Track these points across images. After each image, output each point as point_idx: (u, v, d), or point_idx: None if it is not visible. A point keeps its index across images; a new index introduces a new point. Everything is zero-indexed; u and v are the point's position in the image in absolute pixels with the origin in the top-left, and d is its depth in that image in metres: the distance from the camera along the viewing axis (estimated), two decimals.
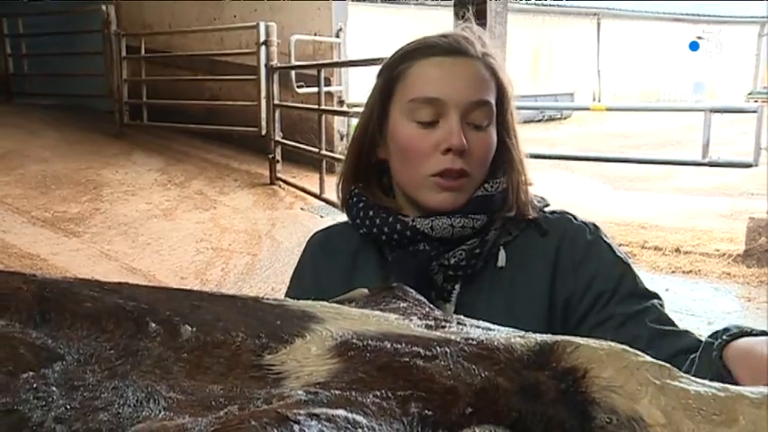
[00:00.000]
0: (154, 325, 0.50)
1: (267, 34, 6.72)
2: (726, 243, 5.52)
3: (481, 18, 3.21)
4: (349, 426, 0.39)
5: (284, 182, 6.60)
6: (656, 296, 1.03)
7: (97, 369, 0.46)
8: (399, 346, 0.49)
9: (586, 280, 1.03)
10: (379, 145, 1.10)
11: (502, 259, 1.06)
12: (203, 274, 4.46)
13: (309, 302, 0.59)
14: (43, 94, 9.72)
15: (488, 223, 1.05)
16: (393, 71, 1.07)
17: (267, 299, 0.59)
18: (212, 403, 0.44)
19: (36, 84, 10.03)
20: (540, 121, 14.76)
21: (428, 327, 0.55)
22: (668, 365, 0.49)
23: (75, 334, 0.49)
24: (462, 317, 0.60)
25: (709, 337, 0.82)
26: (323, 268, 1.13)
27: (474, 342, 0.51)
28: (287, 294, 1.15)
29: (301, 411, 0.39)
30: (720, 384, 0.48)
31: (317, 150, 6.11)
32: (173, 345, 0.49)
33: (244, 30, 7.29)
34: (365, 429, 0.40)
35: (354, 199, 1.11)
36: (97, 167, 6.60)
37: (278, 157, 6.67)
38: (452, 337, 0.52)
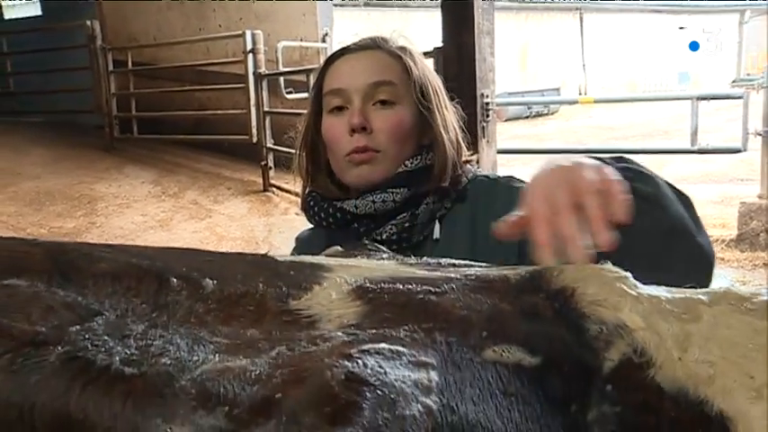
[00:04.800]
0: (175, 280, 0.52)
1: (254, 42, 6.73)
2: (718, 229, 5.57)
3: (468, 16, 3.24)
4: (394, 355, 0.44)
5: (278, 188, 6.61)
6: None
7: (137, 321, 0.48)
8: (411, 286, 0.54)
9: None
10: (321, 144, 1.21)
11: (437, 231, 1.13)
12: None
13: (315, 256, 0.62)
14: (31, 111, 9.68)
15: (417, 198, 1.13)
16: (318, 76, 1.21)
17: (272, 254, 0.62)
18: (258, 345, 0.46)
19: (23, 101, 9.98)
20: (527, 117, 14.81)
21: (427, 269, 0.60)
22: (628, 275, 0.57)
23: (101, 291, 0.50)
24: (447, 259, 0.66)
25: None
26: None
27: (473, 277, 0.57)
28: None
29: (355, 350, 0.43)
30: (676, 288, 0.57)
31: None
32: (199, 297, 0.51)
33: (230, 39, 7.29)
34: (408, 356, 0.45)
35: (307, 196, 1.22)
36: (90, 182, 6.60)
37: (270, 163, 6.68)
38: (453, 275, 0.57)
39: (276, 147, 6.69)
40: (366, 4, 15.82)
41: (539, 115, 15.41)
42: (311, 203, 1.19)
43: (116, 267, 0.52)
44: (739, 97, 5.74)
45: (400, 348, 0.45)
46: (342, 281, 0.55)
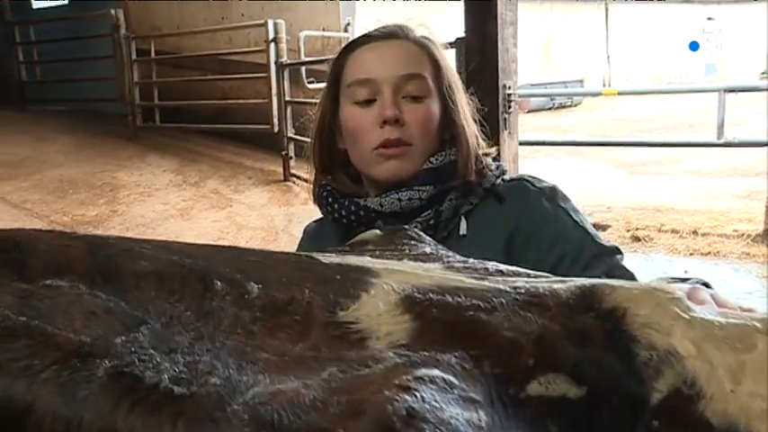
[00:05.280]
0: (220, 283, 0.50)
1: (276, 31, 6.73)
2: (744, 223, 5.48)
3: (491, 6, 3.20)
4: (447, 387, 0.42)
5: (298, 177, 6.62)
6: (616, 251, 1.08)
7: (183, 331, 0.46)
8: (460, 299, 0.52)
9: (547, 245, 1.07)
10: (337, 135, 1.18)
11: (463, 228, 1.11)
12: None
13: (362, 257, 0.60)
14: (56, 99, 9.80)
15: (441, 194, 1.11)
16: (337, 63, 1.17)
17: (317, 255, 0.59)
18: (308, 364, 0.44)
19: (49, 90, 10.11)
20: (550, 108, 14.68)
21: (475, 277, 0.57)
22: (682, 296, 0.53)
23: (144, 295, 0.48)
24: (486, 261, 0.64)
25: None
26: None
27: (522, 290, 0.54)
28: None
29: (410, 377, 0.41)
30: (731, 311, 0.53)
31: None
32: (244, 303, 0.49)
33: (252, 28, 7.30)
34: (458, 390, 0.42)
35: (320, 190, 1.18)
36: (112, 170, 6.66)
37: (291, 153, 6.69)
38: (502, 287, 0.54)
39: (297, 137, 6.70)
40: None
41: (562, 107, 15.26)
42: (329, 199, 1.16)
43: (158, 267, 0.50)
44: (767, 89, 5.63)
45: (452, 379, 0.43)
46: (389, 288, 0.52)
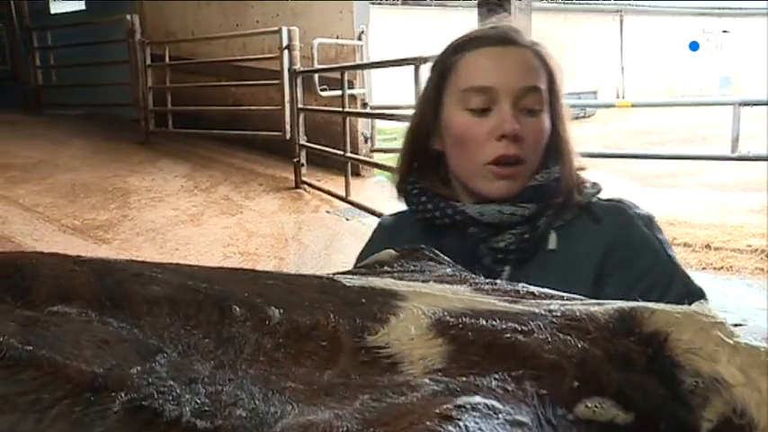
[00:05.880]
0: (238, 309, 0.47)
1: (290, 38, 6.74)
2: (758, 238, 5.42)
3: (505, 17, 3.19)
4: (491, 412, 0.40)
5: (309, 185, 6.63)
6: (702, 294, 1.04)
7: (202, 360, 0.43)
8: (495, 322, 0.49)
9: (638, 274, 1.04)
10: (434, 136, 1.13)
11: (553, 242, 1.08)
12: None
13: (385, 279, 0.57)
14: (71, 104, 9.87)
15: (539, 210, 1.07)
16: (445, 63, 1.10)
17: (339, 276, 0.57)
18: (339, 392, 0.42)
19: (64, 94, 10.18)
20: None
21: (507, 300, 0.55)
22: (725, 320, 0.50)
23: (158, 322, 0.45)
24: (518, 283, 0.61)
25: None
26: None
27: (558, 313, 0.51)
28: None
29: (450, 405, 0.39)
30: None
31: (341, 153, 6.12)
32: (266, 329, 0.46)
33: (266, 35, 7.33)
34: (503, 414, 0.40)
35: (410, 185, 1.14)
36: (124, 175, 6.69)
37: (303, 160, 6.69)
38: (536, 310, 0.52)
39: (309, 144, 6.71)
40: (404, 3, 15.78)
41: (575, 118, 15.18)
42: (422, 199, 1.11)
43: (171, 292, 0.47)
44: None
45: (495, 404, 0.41)
46: (419, 312, 0.49)
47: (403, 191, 1.16)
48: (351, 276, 0.58)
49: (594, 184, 1.12)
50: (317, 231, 5.49)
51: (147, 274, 0.49)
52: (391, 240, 1.16)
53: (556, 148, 1.09)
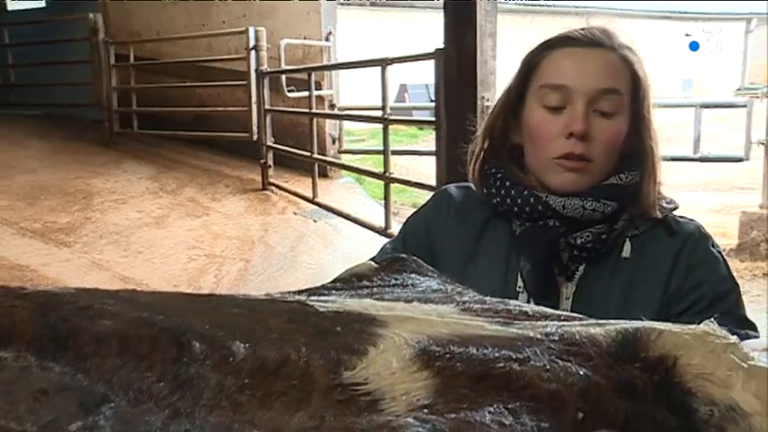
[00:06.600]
0: (198, 345, 0.42)
1: (257, 39, 6.68)
2: (718, 238, 5.47)
3: (470, 17, 3.19)
4: None
5: (276, 187, 6.57)
6: (753, 327, 1.06)
7: (155, 409, 0.38)
8: (486, 350, 0.45)
9: (694, 282, 1.08)
10: (514, 129, 1.16)
11: (627, 250, 1.10)
12: (196, 281, 4.43)
13: (363, 301, 0.52)
14: (31, 104, 9.64)
15: (617, 212, 1.09)
16: (532, 59, 1.14)
17: (312, 300, 0.52)
18: None
19: (23, 94, 9.94)
20: None
21: (499, 322, 0.51)
22: (737, 341, 0.47)
23: (107, 363, 0.40)
24: (509, 301, 0.58)
25: None
26: (451, 227, 1.19)
27: (557, 337, 0.48)
28: (399, 232, 1.27)
29: None
30: None
31: (308, 154, 6.09)
32: (229, 368, 0.42)
33: (233, 35, 7.25)
34: None
35: (493, 170, 1.15)
36: (87, 177, 6.55)
37: (270, 162, 6.63)
38: (531, 334, 0.48)
39: (276, 145, 6.65)
40: (372, 4, 15.77)
41: None
42: (506, 184, 1.12)
43: (123, 326, 0.42)
44: (743, 106, 5.70)
45: None
46: (401, 341, 0.45)
47: (479, 173, 1.17)
48: (325, 299, 0.53)
49: (671, 201, 1.15)
50: (284, 233, 5.44)
51: (96, 306, 0.44)
52: (461, 219, 1.19)
53: (639, 154, 1.11)
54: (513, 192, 1.11)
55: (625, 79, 1.09)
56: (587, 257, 1.09)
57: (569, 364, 0.44)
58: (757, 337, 1.02)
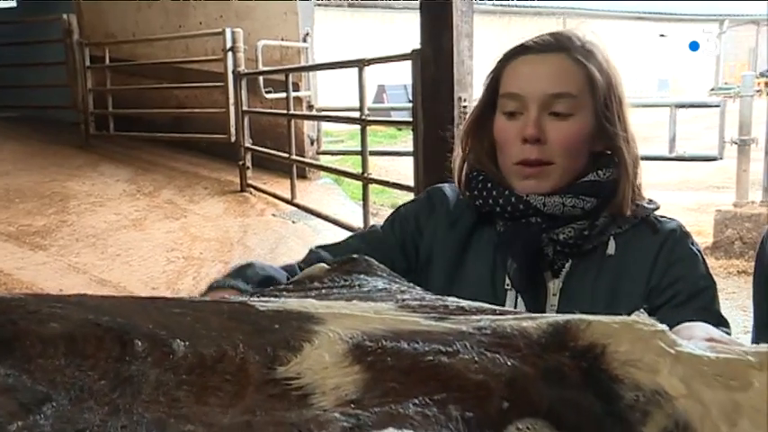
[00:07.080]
0: (140, 343, 0.43)
1: (234, 40, 6.65)
2: (694, 236, 5.58)
3: (447, 18, 3.21)
4: None
5: (255, 188, 6.55)
6: (726, 324, 1.07)
7: (94, 406, 0.39)
8: (417, 345, 0.46)
9: (672, 278, 1.11)
10: (490, 133, 1.19)
11: (611, 248, 1.14)
12: (175, 283, 4.40)
13: (304, 301, 0.53)
14: (4, 106, 9.50)
15: (598, 208, 1.12)
16: (496, 70, 1.18)
17: (253, 301, 0.53)
18: None
19: None
20: None
21: (434, 318, 0.52)
22: (666, 328, 0.48)
23: (51, 364, 0.41)
24: (446, 297, 0.59)
25: None
26: (441, 227, 1.22)
27: (488, 331, 0.49)
28: (390, 216, 1.29)
29: None
30: (721, 345, 0.48)
31: (287, 156, 6.07)
32: (168, 365, 0.43)
33: (210, 36, 7.20)
34: None
35: (475, 173, 1.19)
36: (63, 179, 6.47)
37: (248, 163, 6.61)
38: (464, 328, 0.50)
39: (254, 147, 6.63)
40: (350, 5, 15.76)
41: None
42: (480, 186, 1.17)
43: (70, 328, 0.43)
44: (716, 106, 5.78)
45: None
46: (336, 337, 0.46)
47: (464, 178, 1.21)
48: (267, 299, 0.54)
49: (652, 201, 1.19)
50: (263, 235, 5.43)
51: (45, 310, 0.45)
52: (448, 218, 1.22)
53: (614, 150, 1.14)
54: (494, 192, 1.14)
55: (579, 81, 1.11)
56: (571, 253, 1.12)
57: (497, 355, 0.46)
58: (729, 333, 1.04)
